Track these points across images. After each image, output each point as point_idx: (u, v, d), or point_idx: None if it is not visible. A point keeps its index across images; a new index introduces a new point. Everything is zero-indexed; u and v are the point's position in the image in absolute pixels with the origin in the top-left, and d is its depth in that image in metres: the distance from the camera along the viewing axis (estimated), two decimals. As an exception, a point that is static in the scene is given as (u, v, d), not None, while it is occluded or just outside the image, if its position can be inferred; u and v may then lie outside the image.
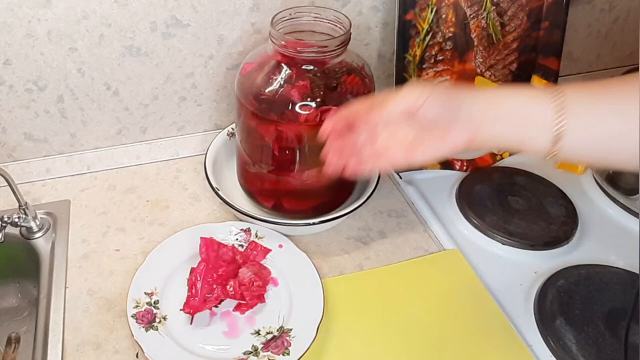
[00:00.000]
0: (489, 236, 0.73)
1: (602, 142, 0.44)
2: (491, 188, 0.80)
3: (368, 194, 0.71)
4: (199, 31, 0.75)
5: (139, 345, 0.58)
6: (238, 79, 0.67)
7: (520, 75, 0.83)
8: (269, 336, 0.60)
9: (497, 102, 0.46)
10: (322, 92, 0.63)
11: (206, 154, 0.77)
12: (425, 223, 0.75)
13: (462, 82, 0.80)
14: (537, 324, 0.63)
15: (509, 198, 0.78)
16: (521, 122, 0.45)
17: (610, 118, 0.43)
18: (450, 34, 0.77)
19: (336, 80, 0.65)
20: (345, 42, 0.63)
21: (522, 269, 0.70)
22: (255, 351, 0.59)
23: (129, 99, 0.79)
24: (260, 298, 0.63)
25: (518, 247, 0.72)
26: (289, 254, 0.68)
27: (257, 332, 0.61)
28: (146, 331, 0.59)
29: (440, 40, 0.77)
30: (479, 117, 0.46)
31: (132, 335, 0.59)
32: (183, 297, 0.63)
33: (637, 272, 0.67)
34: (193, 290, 0.63)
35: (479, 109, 0.46)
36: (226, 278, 0.64)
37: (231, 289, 0.63)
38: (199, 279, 0.63)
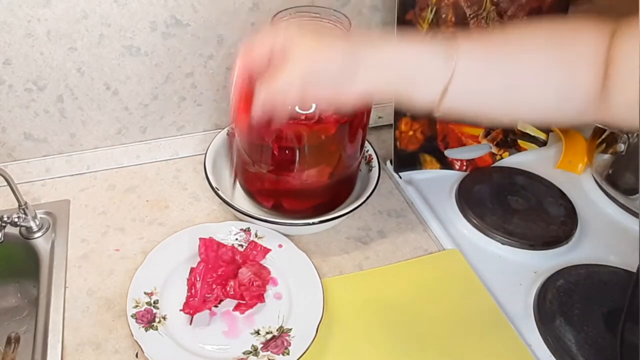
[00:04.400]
0: (488, 236, 0.73)
1: (486, 96, 0.45)
2: (491, 188, 0.80)
3: (368, 193, 0.71)
4: (198, 31, 0.75)
5: (139, 345, 0.58)
6: (238, 79, 0.67)
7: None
8: (269, 336, 0.60)
9: (391, 54, 0.45)
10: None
11: (206, 153, 0.77)
12: (425, 223, 0.75)
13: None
14: (536, 323, 0.63)
15: (508, 198, 0.78)
16: (413, 73, 0.44)
17: (495, 73, 0.45)
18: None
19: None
20: (345, 42, 0.63)
21: (522, 269, 0.70)
22: (255, 351, 0.59)
23: (128, 98, 0.79)
24: (260, 298, 0.63)
25: (518, 247, 0.72)
26: (288, 253, 0.68)
27: (257, 332, 0.61)
28: (146, 331, 0.59)
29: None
30: (374, 71, 0.44)
31: (132, 335, 0.59)
32: (183, 297, 0.63)
33: (637, 271, 0.67)
34: (192, 291, 0.63)
35: (374, 63, 0.44)
36: (226, 278, 0.64)
37: (231, 289, 0.63)
38: (198, 279, 0.63)
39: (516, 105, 0.48)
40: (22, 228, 0.72)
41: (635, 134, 0.73)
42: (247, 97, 0.45)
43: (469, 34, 0.46)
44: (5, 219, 0.68)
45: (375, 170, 0.75)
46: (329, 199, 0.73)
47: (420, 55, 0.45)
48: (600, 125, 0.74)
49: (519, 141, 0.87)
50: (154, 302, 0.63)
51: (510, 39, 0.47)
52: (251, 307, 0.63)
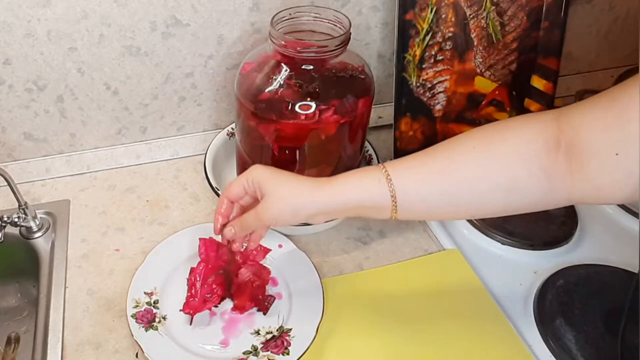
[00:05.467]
0: (488, 236, 0.73)
1: (431, 200, 0.50)
2: (491, 188, 0.80)
3: (368, 193, 0.71)
4: (198, 31, 0.75)
5: (139, 345, 0.58)
6: (238, 79, 0.67)
7: (520, 75, 0.83)
8: (269, 336, 0.60)
9: (339, 195, 0.52)
10: (321, 92, 0.63)
11: (206, 153, 0.77)
12: (425, 223, 0.75)
13: (462, 82, 0.80)
14: (536, 323, 0.63)
15: (508, 198, 0.78)
16: (362, 206, 0.52)
17: (433, 179, 0.50)
18: (450, 34, 0.77)
19: (335, 80, 0.65)
20: (345, 42, 0.63)
21: (522, 269, 0.70)
22: (254, 351, 0.59)
23: (128, 98, 0.79)
24: (259, 304, 0.63)
25: (518, 247, 0.72)
26: (288, 253, 0.68)
27: (257, 332, 0.61)
28: (146, 331, 0.59)
29: (440, 40, 0.77)
30: (326, 215, 0.54)
31: (132, 335, 0.59)
32: (183, 297, 0.63)
33: (637, 272, 0.67)
34: (192, 291, 0.63)
35: (325, 209, 0.52)
36: (226, 278, 0.64)
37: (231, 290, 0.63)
38: (198, 279, 0.63)
39: (465, 209, 0.51)
40: (22, 228, 0.72)
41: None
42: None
43: (401, 159, 0.52)
44: (5, 219, 0.68)
45: (375, 170, 0.75)
46: (329, 199, 0.73)
47: (361, 193, 0.51)
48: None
49: (519, 141, 0.86)
50: (154, 302, 0.63)
51: (437, 154, 0.51)
52: (251, 307, 0.63)
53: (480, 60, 0.80)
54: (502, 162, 0.48)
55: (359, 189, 0.51)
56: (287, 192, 0.53)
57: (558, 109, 0.48)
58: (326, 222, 0.69)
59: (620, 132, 0.42)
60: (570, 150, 0.45)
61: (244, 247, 0.60)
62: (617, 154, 0.42)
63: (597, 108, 0.45)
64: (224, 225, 0.58)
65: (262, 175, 0.54)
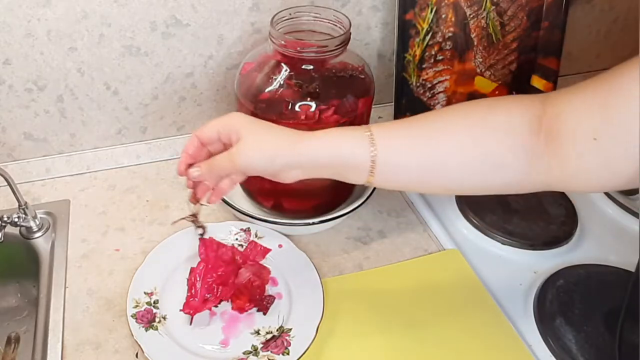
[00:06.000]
0: (488, 236, 0.73)
1: (411, 168, 0.49)
2: (491, 188, 0.80)
3: (368, 193, 0.71)
4: (198, 31, 0.75)
5: (139, 345, 0.58)
6: (238, 79, 0.67)
7: (520, 75, 0.83)
8: (269, 336, 0.60)
9: (319, 149, 0.50)
10: (321, 92, 0.63)
11: (206, 153, 0.77)
12: (424, 223, 0.75)
13: (462, 82, 0.81)
14: (536, 323, 0.63)
15: (508, 198, 0.78)
16: (341, 163, 0.50)
17: (417, 145, 0.49)
18: (450, 34, 0.77)
19: (335, 80, 0.65)
20: (345, 42, 0.63)
21: (522, 269, 0.70)
22: (255, 351, 0.59)
23: (128, 98, 0.79)
24: (259, 304, 0.63)
25: (518, 247, 0.72)
26: (288, 253, 0.68)
27: (257, 332, 0.61)
28: (146, 331, 0.59)
29: (440, 40, 0.77)
30: (303, 169, 0.52)
31: (132, 335, 0.59)
32: (183, 297, 0.63)
33: (635, 270, 0.67)
34: (192, 291, 0.63)
35: (303, 161, 0.51)
36: (226, 278, 0.64)
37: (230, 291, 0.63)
38: (198, 279, 0.63)
39: (444, 181, 0.50)
40: (22, 228, 0.72)
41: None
42: None
43: (387, 123, 0.51)
44: (5, 219, 0.68)
45: (375, 170, 0.75)
46: (329, 199, 0.73)
47: (342, 145, 0.49)
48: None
49: (519, 141, 0.86)
50: (154, 302, 0.63)
51: (427, 123, 0.50)
52: (251, 307, 0.63)
53: (480, 60, 0.80)
54: (491, 134, 0.47)
55: (340, 145, 0.49)
56: (266, 136, 0.50)
57: (549, 92, 0.48)
58: (326, 221, 0.69)
59: (601, 117, 0.42)
60: (550, 134, 0.45)
61: (205, 200, 0.56)
62: (595, 139, 0.42)
63: (583, 93, 0.44)
64: (189, 166, 0.53)
65: (240, 120, 0.51)
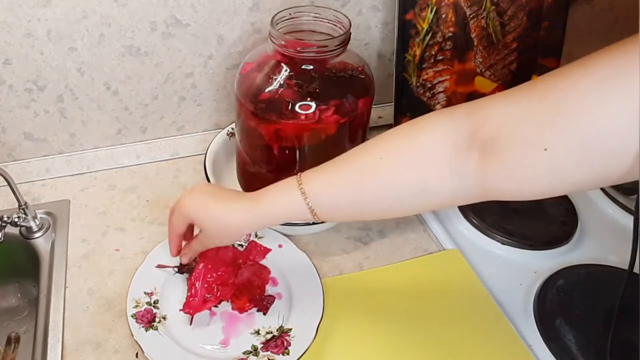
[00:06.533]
0: (488, 236, 0.73)
1: (347, 209, 0.53)
2: (491, 188, 0.80)
3: (368, 193, 0.71)
4: (198, 31, 0.75)
5: (139, 345, 0.58)
6: (238, 79, 0.67)
7: (520, 75, 0.83)
8: (269, 336, 0.60)
9: (263, 210, 0.55)
10: (321, 92, 0.63)
11: (206, 153, 0.77)
12: (425, 223, 0.75)
13: (462, 82, 0.80)
14: (536, 323, 0.63)
15: (508, 198, 0.78)
16: (292, 217, 0.55)
17: (345, 192, 0.51)
18: (450, 34, 0.77)
19: (335, 80, 0.65)
20: (345, 42, 0.63)
21: (522, 269, 0.70)
22: (255, 351, 0.59)
23: (128, 98, 0.79)
24: (259, 304, 0.63)
25: (518, 247, 0.72)
26: (288, 253, 0.68)
27: (257, 332, 0.61)
28: (146, 331, 0.59)
29: (440, 40, 0.77)
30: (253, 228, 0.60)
31: (132, 335, 0.59)
32: (183, 297, 0.63)
33: (637, 271, 0.67)
34: (193, 291, 0.63)
35: (250, 225, 0.57)
36: (226, 278, 0.64)
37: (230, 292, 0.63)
38: (198, 279, 0.63)
39: (381, 210, 0.52)
40: (22, 228, 0.72)
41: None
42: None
43: (317, 168, 0.54)
44: (5, 219, 0.68)
45: (375, 170, 0.75)
46: (329, 199, 0.73)
47: (287, 206, 0.54)
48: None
49: (519, 141, 0.86)
50: (154, 302, 0.63)
51: (350, 163, 0.52)
52: (251, 307, 0.63)
53: (481, 60, 0.80)
54: (411, 167, 0.48)
55: (281, 207, 0.54)
56: (221, 225, 0.57)
57: (472, 102, 0.47)
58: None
59: (552, 125, 0.40)
60: (487, 147, 0.44)
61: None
62: (545, 149, 0.40)
63: (527, 100, 0.42)
64: (178, 252, 0.64)
65: (195, 210, 0.58)
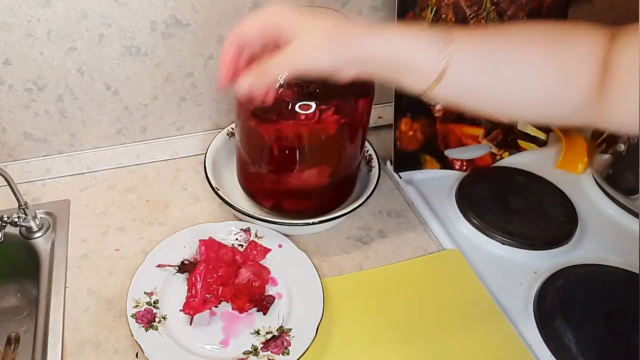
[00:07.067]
0: (488, 236, 0.73)
1: (476, 89, 0.46)
2: (491, 188, 0.80)
3: (368, 193, 0.71)
4: (198, 31, 0.75)
5: (139, 345, 0.58)
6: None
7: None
8: (269, 336, 0.60)
9: (387, 41, 0.45)
10: (321, 92, 0.63)
11: (206, 153, 0.77)
12: (425, 223, 0.75)
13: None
14: (536, 323, 0.63)
15: (508, 198, 0.78)
16: (406, 61, 0.45)
17: (488, 68, 0.45)
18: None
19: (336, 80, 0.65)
20: (345, 42, 0.62)
21: (522, 269, 0.70)
22: (255, 351, 0.59)
23: (128, 98, 0.79)
24: (259, 304, 0.63)
25: (518, 247, 0.72)
26: (288, 253, 0.68)
27: (257, 332, 0.61)
28: (146, 331, 0.59)
29: (440, 40, 0.77)
30: (364, 63, 0.46)
31: (132, 335, 0.59)
32: (183, 297, 0.63)
33: (637, 271, 0.67)
34: (193, 291, 0.63)
35: (366, 55, 0.45)
36: (226, 279, 0.64)
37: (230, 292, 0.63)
38: (198, 279, 0.63)
39: (506, 101, 0.48)
40: (22, 228, 0.72)
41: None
42: (235, 69, 0.48)
43: (467, 28, 0.47)
44: (5, 219, 0.68)
45: (375, 170, 0.75)
46: (329, 199, 0.73)
47: (416, 44, 0.45)
48: (596, 128, 0.74)
49: (519, 141, 0.87)
50: (154, 302, 0.63)
51: (508, 36, 0.47)
52: (251, 307, 0.63)
53: (480, 60, 0.80)
54: (562, 67, 0.45)
55: (412, 42, 0.44)
56: (326, 27, 0.44)
57: (620, 27, 0.45)
58: (326, 221, 0.69)
59: None
60: (608, 73, 0.43)
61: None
62: None
63: None
64: (233, 75, 0.47)
65: (286, 15, 0.44)
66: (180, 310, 0.62)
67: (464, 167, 0.84)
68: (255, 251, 0.68)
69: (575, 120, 0.48)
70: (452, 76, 0.44)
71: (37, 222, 0.72)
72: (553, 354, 0.60)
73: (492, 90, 0.46)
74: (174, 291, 0.64)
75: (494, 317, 0.63)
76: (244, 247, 0.69)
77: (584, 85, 0.45)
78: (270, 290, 0.65)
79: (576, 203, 0.78)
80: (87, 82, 0.76)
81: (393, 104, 0.79)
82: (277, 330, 0.61)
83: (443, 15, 0.76)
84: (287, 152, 0.66)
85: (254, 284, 0.64)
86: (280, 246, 0.69)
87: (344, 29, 0.44)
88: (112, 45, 0.73)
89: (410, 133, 0.80)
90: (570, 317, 0.63)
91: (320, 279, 0.65)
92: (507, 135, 0.86)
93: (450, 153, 0.84)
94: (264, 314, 0.62)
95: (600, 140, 0.80)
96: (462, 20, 0.76)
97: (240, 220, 0.73)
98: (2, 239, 0.68)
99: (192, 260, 0.67)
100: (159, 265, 0.66)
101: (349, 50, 0.44)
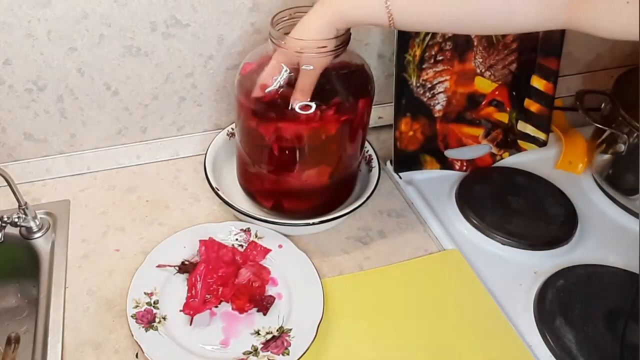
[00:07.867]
0: (488, 236, 0.73)
1: (426, 16, 0.54)
2: (491, 188, 0.80)
3: (368, 194, 0.71)
4: (198, 31, 0.75)
5: (139, 345, 0.58)
6: (238, 79, 0.67)
7: (520, 76, 0.83)
8: (269, 336, 0.60)
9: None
10: (321, 92, 0.63)
11: (206, 154, 0.77)
12: (425, 223, 0.75)
13: (462, 82, 0.80)
14: (536, 324, 0.63)
15: (508, 198, 0.78)
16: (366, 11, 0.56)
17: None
18: (450, 34, 0.77)
19: (336, 80, 0.65)
20: (345, 42, 0.62)
21: (522, 269, 0.70)
22: (255, 351, 0.59)
23: (128, 98, 0.79)
24: (259, 305, 0.63)
25: (518, 247, 0.72)
26: (288, 254, 0.68)
27: (257, 332, 0.61)
28: (146, 331, 0.59)
29: (440, 40, 0.77)
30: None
31: (132, 335, 0.59)
32: (183, 297, 0.63)
33: (637, 272, 0.67)
34: (193, 292, 0.63)
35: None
36: (226, 279, 0.64)
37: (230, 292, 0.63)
38: (199, 280, 0.63)
39: (459, 18, 0.53)
40: (22, 228, 0.72)
41: (635, 135, 0.73)
42: None
43: None
44: (5, 219, 0.68)
45: (376, 170, 0.75)
46: (329, 199, 0.73)
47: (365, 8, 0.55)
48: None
49: (519, 141, 0.87)
50: (154, 302, 0.63)
51: None
52: (251, 307, 0.63)
53: (480, 60, 0.80)
54: None
55: (360, 10, 0.55)
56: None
57: None
58: (326, 221, 0.69)
59: None
60: None
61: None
62: (627, 2, 0.42)
63: None
64: None
65: None
66: (180, 311, 0.62)
67: (464, 168, 0.84)
68: (255, 251, 0.68)
69: (551, 27, 0.50)
70: (402, 17, 0.53)
71: (37, 223, 0.72)
72: (553, 354, 0.60)
73: (442, 18, 0.53)
74: (174, 291, 0.64)
75: (494, 317, 0.64)
76: (244, 247, 0.69)
77: None
78: (270, 290, 0.65)
79: (576, 203, 0.78)
80: (87, 82, 0.76)
81: (393, 104, 0.79)
82: (277, 330, 0.61)
83: None
84: (287, 152, 0.66)
85: (254, 284, 0.64)
86: (280, 246, 0.69)
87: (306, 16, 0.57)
88: (112, 46, 0.73)
89: (410, 133, 0.80)
90: (570, 317, 0.63)
91: (320, 279, 0.65)
92: (507, 136, 0.86)
93: (450, 153, 0.84)
94: (264, 314, 0.62)
95: (600, 140, 0.80)
96: None
97: (240, 220, 0.73)
98: (2, 239, 0.68)
99: (192, 260, 0.66)
100: (159, 266, 0.66)
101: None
